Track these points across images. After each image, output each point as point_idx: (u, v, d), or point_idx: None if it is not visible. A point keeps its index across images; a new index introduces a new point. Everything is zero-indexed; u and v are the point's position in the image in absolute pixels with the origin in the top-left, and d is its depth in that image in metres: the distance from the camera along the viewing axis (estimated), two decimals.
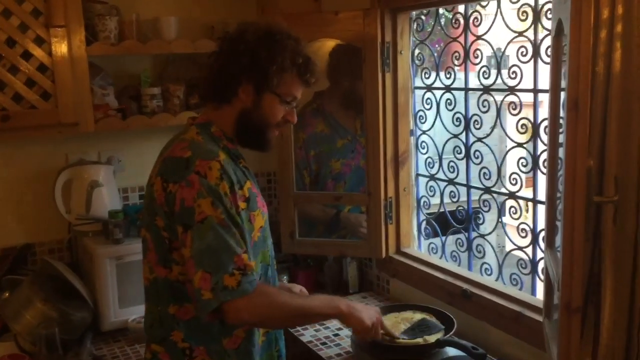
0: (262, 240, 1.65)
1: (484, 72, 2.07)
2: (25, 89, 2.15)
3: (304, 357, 2.17)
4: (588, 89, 1.13)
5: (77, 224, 2.37)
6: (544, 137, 1.86)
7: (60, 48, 2.17)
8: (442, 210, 2.35)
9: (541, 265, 1.93)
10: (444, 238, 2.38)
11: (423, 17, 2.35)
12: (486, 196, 2.17)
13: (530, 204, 1.98)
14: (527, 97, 1.94)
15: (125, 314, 2.24)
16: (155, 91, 2.46)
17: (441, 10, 2.31)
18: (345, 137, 2.57)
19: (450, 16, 2.28)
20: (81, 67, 2.22)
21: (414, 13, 2.34)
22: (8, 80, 2.12)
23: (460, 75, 2.24)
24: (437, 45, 2.43)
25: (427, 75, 2.36)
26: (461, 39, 2.14)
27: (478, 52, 2.12)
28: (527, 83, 1.92)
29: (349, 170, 2.55)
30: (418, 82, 2.41)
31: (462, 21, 2.13)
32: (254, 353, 1.63)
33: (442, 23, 2.37)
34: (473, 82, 2.17)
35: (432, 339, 1.91)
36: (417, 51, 2.39)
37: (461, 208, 2.26)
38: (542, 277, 1.89)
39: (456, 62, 2.18)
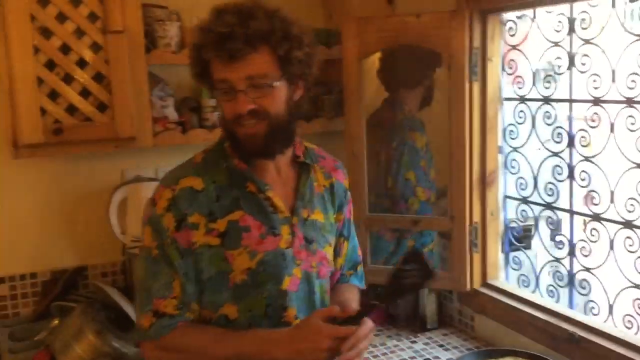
0: (250, 285, 1.36)
1: (594, 80, 1.80)
2: (80, 99, 1.99)
3: None
4: None
5: (132, 247, 2.20)
6: None
7: (118, 56, 2.00)
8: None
9: None
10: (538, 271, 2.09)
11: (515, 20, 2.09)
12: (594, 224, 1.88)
13: None
14: None
15: None
16: (217, 103, 2.28)
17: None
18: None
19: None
20: (140, 77, 2.06)
21: (505, 15, 2.09)
22: (62, 90, 1.97)
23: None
24: None
25: (520, 86, 2.09)
26: (564, 44, 1.88)
27: (586, 58, 1.85)
28: None
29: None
30: (509, 93, 2.15)
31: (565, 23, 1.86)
32: None
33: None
34: (578, 94, 1.90)
35: None
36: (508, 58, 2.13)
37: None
38: None
39: (557, 70, 1.92)
